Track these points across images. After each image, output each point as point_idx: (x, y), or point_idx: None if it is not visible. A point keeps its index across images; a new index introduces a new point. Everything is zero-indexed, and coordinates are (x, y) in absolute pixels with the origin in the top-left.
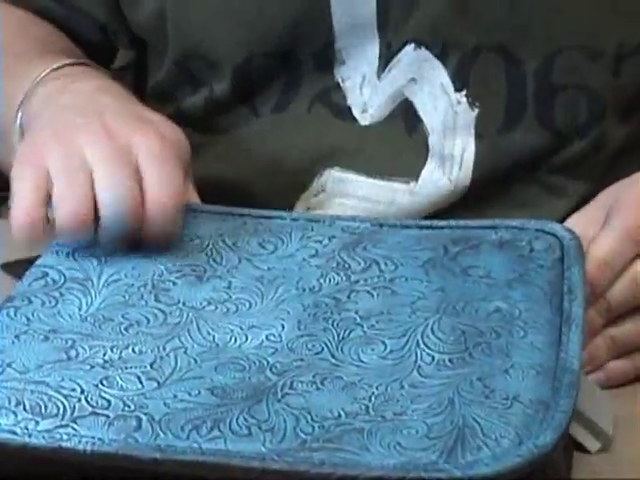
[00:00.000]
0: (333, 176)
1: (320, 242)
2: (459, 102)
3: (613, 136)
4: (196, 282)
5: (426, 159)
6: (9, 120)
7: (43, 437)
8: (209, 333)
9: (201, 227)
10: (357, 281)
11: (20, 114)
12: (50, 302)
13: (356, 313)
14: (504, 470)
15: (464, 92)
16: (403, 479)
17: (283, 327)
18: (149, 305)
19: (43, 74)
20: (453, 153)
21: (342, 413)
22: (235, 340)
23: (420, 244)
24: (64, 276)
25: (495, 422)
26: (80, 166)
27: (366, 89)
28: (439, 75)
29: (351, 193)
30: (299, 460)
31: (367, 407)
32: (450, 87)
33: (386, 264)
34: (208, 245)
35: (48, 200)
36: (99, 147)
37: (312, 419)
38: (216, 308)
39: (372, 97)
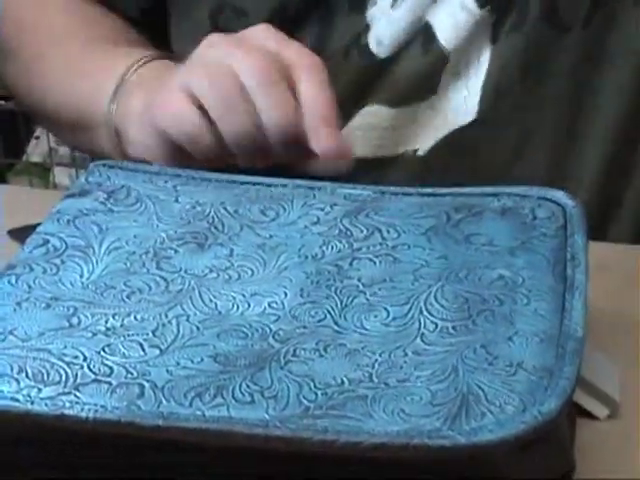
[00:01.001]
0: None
1: (322, 209)
2: (482, 17)
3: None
4: (198, 250)
5: (442, 73)
6: (91, 110)
7: (45, 404)
8: (211, 300)
9: (202, 195)
10: (359, 248)
11: (114, 106)
12: (51, 269)
13: (359, 280)
14: (508, 436)
15: (487, 8)
16: (407, 445)
17: (286, 294)
18: (151, 273)
19: (134, 66)
20: (469, 60)
21: (345, 380)
22: (237, 307)
23: (422, 211)
24: (65, 243)
25: (499, 389)
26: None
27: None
28: None
29: (374, 125)
30: (302, 427)
31: (370, 374)
32: (473, 4)
33: (388, 231)
34: (209, 213)
35: None
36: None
37: (315, 386)
38: (218, 276)
39: (386, 28)
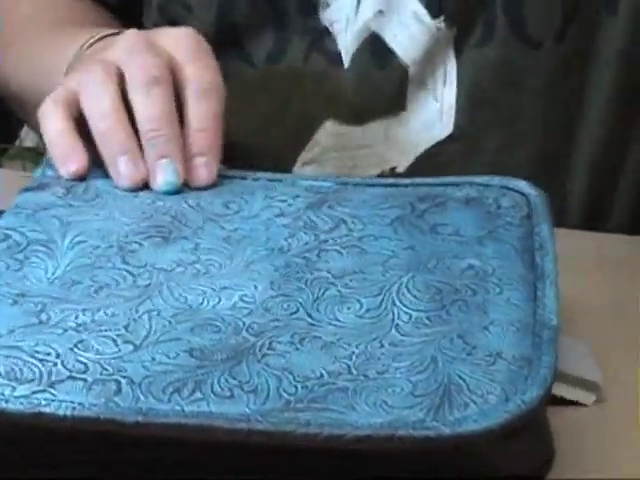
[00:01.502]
0: (328, 130)
1: (284, 201)
2: (438, 29)
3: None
4: (162, 243)
5: (407, 87)
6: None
7: (21, 403)
8: (181, 295)
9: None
10: (326, 240)
11: None
12: (15, 265)
13: (328, 272)
14: (493, 426)
15: (442, 18)
16: (391, 437)
17: (256, 287)
18: (117, 267)
19: (86, 44)
20: (435, 73)
21: (324, 373)
22: (208, 302)
23: (386, 202)
24: (27, 238)
25: (480, 379)
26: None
27: (349, 31)
28: (409, 3)
29: (346, 145)
30: (284, 421)
31: (349, 366)
32: (426, 15)
33: (354, 223)
34: (171, 207)
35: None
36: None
37: (294, 379)
38: (185, 270)
39: (344, 39)
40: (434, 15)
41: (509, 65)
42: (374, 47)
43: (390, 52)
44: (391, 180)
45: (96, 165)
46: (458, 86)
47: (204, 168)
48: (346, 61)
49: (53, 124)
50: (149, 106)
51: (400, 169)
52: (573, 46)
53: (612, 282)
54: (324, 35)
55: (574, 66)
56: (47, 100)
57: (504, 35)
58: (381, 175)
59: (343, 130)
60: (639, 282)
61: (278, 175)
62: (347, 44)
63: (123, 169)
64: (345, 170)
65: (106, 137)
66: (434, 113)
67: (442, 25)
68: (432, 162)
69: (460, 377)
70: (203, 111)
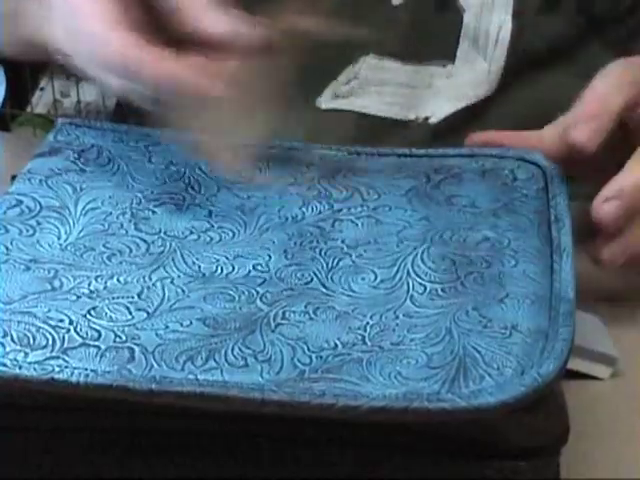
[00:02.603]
0: (368, 63)
1: (298, 170)
2: None
3: None
4: (176, 210)
5: (459, 38)
6: None
7: (34, 369)
8: (194, 263)
9: (175, 155)
10: (340, 210)
11: None
12: (27, 231)
13: (342, 242)
14: (508, 399)
15: None
16: (406, 409)
17: (270, 257)
18: (129, 234)
19: None
20: (489, 31)
21: (338, 343)
22: (221, 270)
23: (401, 172)
24: (39, 204)
25: (496, 351)
26: None
27: None
28: None
29: (387, 81)
30: (299, 391)
31: (363, 337)
32: None
33: (368, 193)
34: (185, 173)
35: None
36: None
37: (309, 349)
38: (199, 237)
39: None
40: None
41: (565, 39)
42: None
43: None
44: (405, 150)
45: (107, 129)
46: (509, 51)
47: None
48: None
49: None
50: None
51: (433, 119)
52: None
53: None
54: None
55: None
56: None
57: (569, 8)
58: (414, 121)
59: (388, 65)
60: None
61: (293, 144)
62: None
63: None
64: (382, 107)
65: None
66: (481, 73)
67: None
68: (465, 117)
69: (475, 349)
70: None
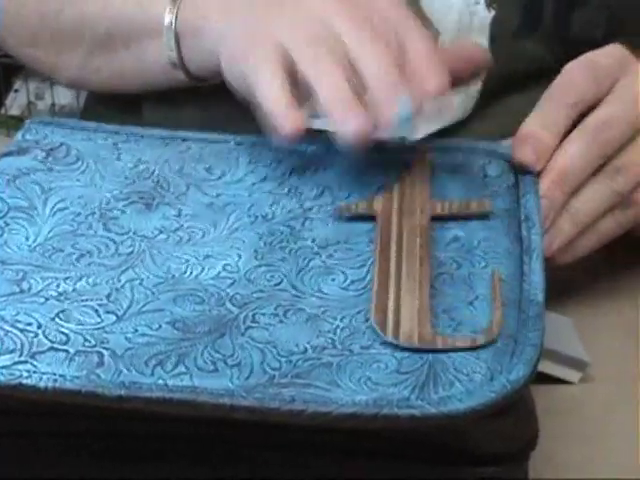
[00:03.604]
0: None
1: (268, 166)
2: (476, 2)
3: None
4: (145, 210)
5: None
6: (145, 21)
7: (2, 374)
8: (163, 264)
9: (144, 153)
10: (310, 208)
11: (170, 17)
12: None
13: (313, 242)
14: (477, 406)
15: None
16: (376, 415)
17: (240, 257)
18: (99, 234)
19: None
20: None
21: (308, 347)
22: (191, 271)
23: (373, 167)
24: (7, 204)
25: (465, 356)
26: (327, 34)
27: None
28: None
29: None
30: (269, 396)
31: (333, 340)
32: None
33: (339, 189)
34: (154, 171)
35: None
36: (344, 10)
37: (278, 353)
38: (168, 237)
39: None
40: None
41: (541, 63)
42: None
43: (425, 19)
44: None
45: (77, 128)
46: (485, 76)
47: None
48: None
49: (276, 92)
50: (377, 59)
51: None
52: None
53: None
54: None
55: None
56: (262, 63)
57: (545, 33)
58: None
59: None
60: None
61: (262, 139)
62: None
63: (356, 121)
64: None
65: (340, 106)
66: (458, 96)
67: (481, 0)
68: None
69: (445, 354)
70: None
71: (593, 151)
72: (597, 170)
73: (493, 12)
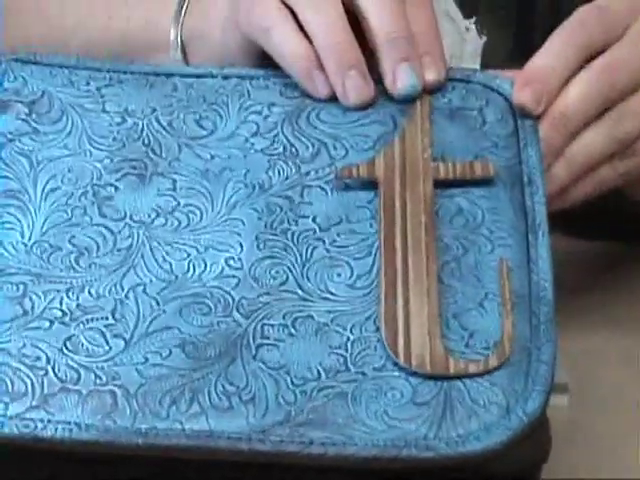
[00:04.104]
0: None
1: (259, 113)
2: (467, 29)
3: None
4: (139, 184)
5: None
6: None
7: (16, 426)
8: (164, 259)
9: (130, 99)
10: (307, 173)
11: (176, 30)
12: None
13: (314, 221)
14: (495, 445)
15: (473, 19)
16: (395, 458)
17: (241, 246)
18: (94, 222)
19: None
20: None
21: (321, 370)
22: (194, 269)
23: (368, 116)
24: None
25: (480, 382)
26: None
27: None
28: (444, 2)
29: None
30: (287, 439)
31: (345, 360)
32: (458, 14)
33: (335, 147)
34: (143, 129)
35: None
36: None
37: (292, 382)
38: (166, 222)
39: None
40: (466, 15)
41: None
42: None
43: None
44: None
45: (55, 65)
46: None
47: (433, 66)
48: None
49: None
50: (384, 9)
51: None
52: None
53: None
54: None
55: None
56: (267, 7)
57: None
58: None
59: None
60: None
61: (251, 71)
62: None
63: (352, 84)
64: None
65: (334, 50)
66: None
67: (472, 27)
68: None
69: (459, 379)
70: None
71: (596, 94)
72: (600, 115)
73: (484, 39)
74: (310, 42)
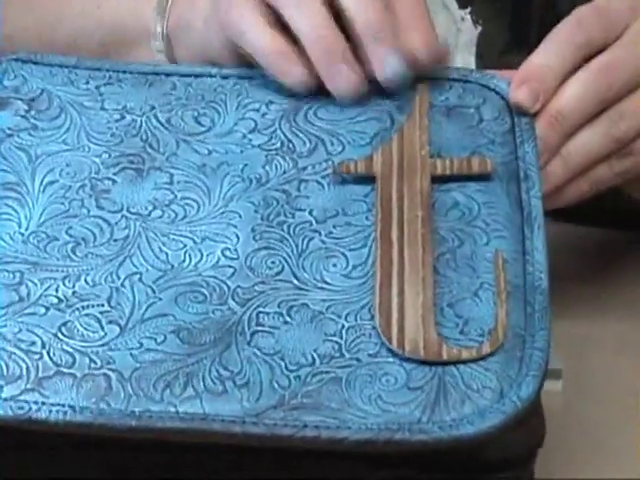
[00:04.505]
0: None
1: (257, 110)
2: (463, 19)
3: None
4: (136, 178)
5: None
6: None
7: (10, 408)
8: (161, 250)
9: (128, 96)
10: (305, 168)
11: (160, 20)
12: None
13: (310, 214)
14: (488, 429)
15: (468, 9)
16: (389, 441)
17: (237, 237)
18: (92, 214)
19: None
20: None
21: (316, 357)
22: (190, 259)
23: (365, 113)
24: None
25: (474, 367)
26: None
27: None
28: None
29: None
30: (280, 422)
31: (340, 346)
32: (453, 4)
33: (332, 143)
34: (141, 125)
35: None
36: None
37: (286, 367)
38: (162, 214)
39: None
40: (461, 5)
41: None
42: None
43: None
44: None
45: (55, 65)
46: None
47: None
48: None
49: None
50: (365, 7)
51: None
52: None
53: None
54: None
55: None
56: (242, 10)
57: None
58: None
59: None
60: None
61: (249, 71)
62: None
63: (341, 74)
64: None
65: (320, 43)
66: None
67: (467, 17)
68: None
69: (454, 364)
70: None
71: (593, 93)
72: (598, 114)
73: (480, 29)
74: (291, 41)
